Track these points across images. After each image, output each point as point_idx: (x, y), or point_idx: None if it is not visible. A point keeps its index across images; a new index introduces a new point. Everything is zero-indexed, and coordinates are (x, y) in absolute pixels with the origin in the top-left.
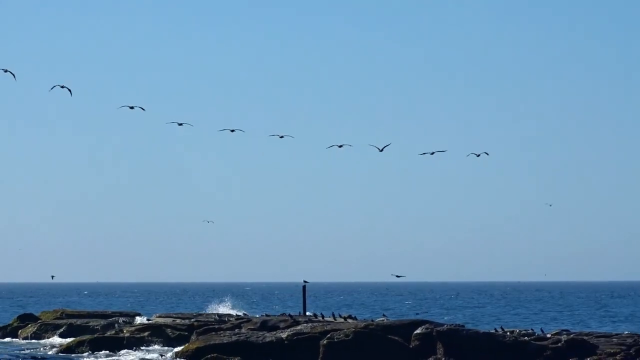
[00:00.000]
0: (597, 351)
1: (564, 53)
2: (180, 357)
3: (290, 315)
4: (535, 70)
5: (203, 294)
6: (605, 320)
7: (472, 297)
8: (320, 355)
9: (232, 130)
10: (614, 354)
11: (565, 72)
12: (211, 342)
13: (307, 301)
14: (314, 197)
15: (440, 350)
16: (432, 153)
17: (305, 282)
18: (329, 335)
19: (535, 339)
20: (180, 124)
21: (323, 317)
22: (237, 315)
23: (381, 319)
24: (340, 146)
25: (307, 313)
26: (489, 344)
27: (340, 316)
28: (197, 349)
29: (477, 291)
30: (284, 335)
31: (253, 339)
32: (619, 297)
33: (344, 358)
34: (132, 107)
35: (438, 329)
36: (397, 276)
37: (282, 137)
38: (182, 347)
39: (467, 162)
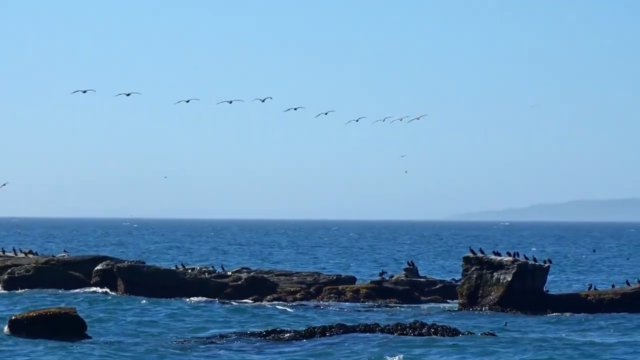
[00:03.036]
0: (277, 289)
1: None
2: None
3: None
4: None
5: None
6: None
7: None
8: (1, 290)
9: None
10: (294, 292)
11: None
12: None
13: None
14: None
15: (121, 287)
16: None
17: None
18: (9, 270)
19: (216, 277)
20: (188, 101)
21: (4, 251)
22: None
23: (62, 254)
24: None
25: None
26: (170, 281)
27: (21, 251)
28: None
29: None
30: None
31: None
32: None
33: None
34: (128, 94)
35: (119, 265)
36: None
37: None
38: None
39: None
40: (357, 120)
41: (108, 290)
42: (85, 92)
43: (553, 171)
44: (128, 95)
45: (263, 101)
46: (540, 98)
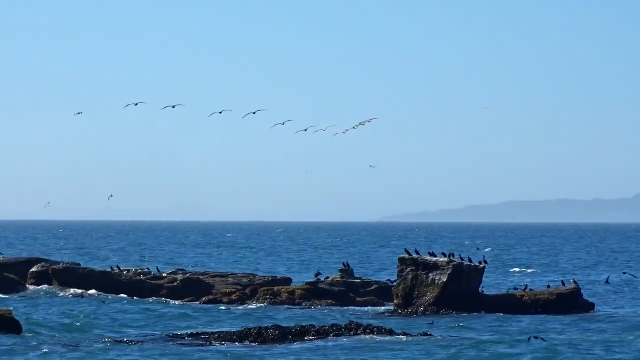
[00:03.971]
0: (213, 291)
1: None
2: None
3: None
4: None
5: None
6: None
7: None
8: None
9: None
10: (229, 294)
11: None
12: None
13: None
14: None
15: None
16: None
17: None
18: None
19: (151, 278)
20: (221, 112)
21: None
22: None
23: None
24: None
25: None
26: (105, 282)
27: None
28: None
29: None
30: None
31: None
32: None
33: None
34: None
35: (54, 267)
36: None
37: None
38: None
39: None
40: (282, 124)
41: (45, 287)
42: (137, 104)
43: (487, 173)
44: (174, 107)
45: (283, 124)
46: (475, 100)
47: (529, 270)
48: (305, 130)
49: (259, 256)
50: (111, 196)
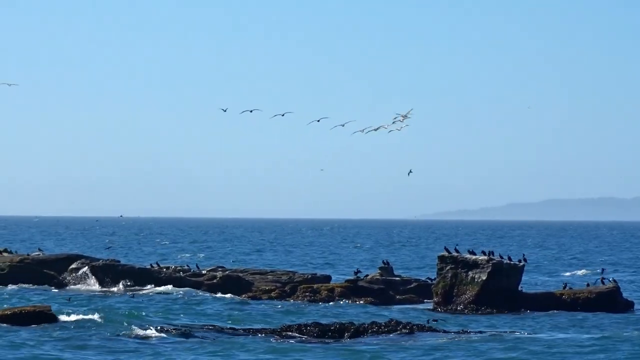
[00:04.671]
0: (253, 288)
1: None
2: None
3: None
4: None
5: None
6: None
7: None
8: None
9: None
10: (269, 291)
11: None
12: None
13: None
14: None
15: (95, 285)
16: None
17: None
18: None
19: (190, 275)
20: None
21: None
22: None
23: (37, 253)
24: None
25: None
26: (144, 279)
27: None
28: None
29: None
30: None
31: None
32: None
33: None
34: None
35: (94, 263)
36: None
37: (251, 111)
38: None
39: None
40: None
41: (85, 284)
42: (252, 111)
43: (527, 170)
44: (283, 115)
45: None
46: (517, 99)
47: (581, 271)
48: (376, 129)
49: (318, 254)
50: (121, 216)
